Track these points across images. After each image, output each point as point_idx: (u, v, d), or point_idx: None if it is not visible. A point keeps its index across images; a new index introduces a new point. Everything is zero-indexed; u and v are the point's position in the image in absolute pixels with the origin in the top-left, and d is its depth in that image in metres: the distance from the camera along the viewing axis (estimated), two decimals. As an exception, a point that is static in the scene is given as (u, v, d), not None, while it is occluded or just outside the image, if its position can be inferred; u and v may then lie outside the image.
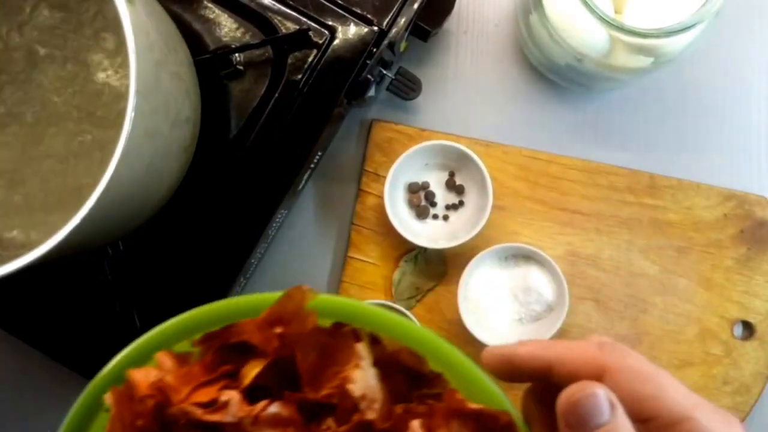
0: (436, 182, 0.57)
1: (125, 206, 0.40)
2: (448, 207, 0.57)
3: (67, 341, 0.50)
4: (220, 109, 0.49)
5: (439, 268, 0.57)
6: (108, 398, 0.27)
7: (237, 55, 0.49)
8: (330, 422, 0.26)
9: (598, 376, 0.27)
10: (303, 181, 0.53)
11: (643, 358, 0.28)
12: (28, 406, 0.58)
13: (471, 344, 0.55)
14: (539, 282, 0.55)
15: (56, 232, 0.35)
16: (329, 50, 0.49)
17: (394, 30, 0.50)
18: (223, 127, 0.49)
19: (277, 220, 0.52)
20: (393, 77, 0.53)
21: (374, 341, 0.29)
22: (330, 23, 0.49)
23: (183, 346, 0.29)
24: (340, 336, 0.28)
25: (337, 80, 0.49)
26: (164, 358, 0.27)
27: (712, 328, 0.56)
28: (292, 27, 0.49)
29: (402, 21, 0.50)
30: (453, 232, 0.55)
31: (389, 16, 0.50)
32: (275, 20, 0.49)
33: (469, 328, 0.53)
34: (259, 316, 0.28)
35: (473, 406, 0.27)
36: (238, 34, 0.50)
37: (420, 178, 0.57)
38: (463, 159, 0.55)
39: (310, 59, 0.49)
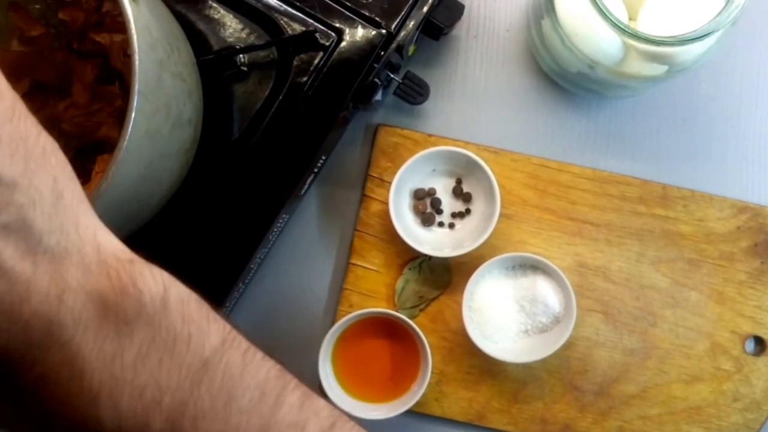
0: (443, 189, 0.56)
1: (123, 207, 0.40)
2: (454, 215, 0.56)
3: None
4: (222, 111, 0.48)
5: (444, 277, 0.56)
6: None
7: (241, 56, 0.48)
8: None
9: None
10: (306, 186, 0.52)
11: None
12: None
13: (475, 355, 0.54)
14: (546, 293, 0.54)
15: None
16: (336, 53, 0.49)
17: (402, 33, 0.49)
18: (226, 129, 0.48)
19: (279, 224, 0.51)
20: (400, 81, 0.53)
21: None
22: (337, 25, 0.49)
23: None
24: None
25: (343, 83, 0.49)
26: None
27: (724, 343, 0.55)
28: (298, 28, 0.49)
29: (411, 24, 0.49)
30: (459, 241, 0.54)
31: (398, 19, 0.49)
32: (281, 21, 0.49)
33: (474, 339, 0.52)
34: None
35: None
36: (243, 34, 0.49)
37: (426, 185, 0.56)
38: (471, 166, 0.54)
39: (315, 61, 0.48)
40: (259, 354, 0.30)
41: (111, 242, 0.28)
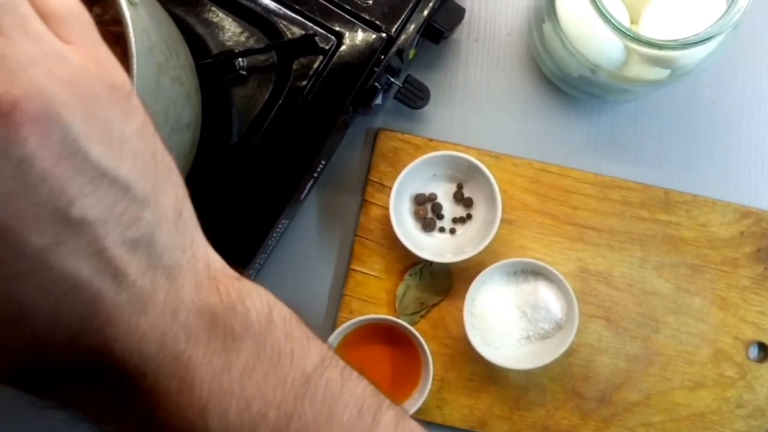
0: (444, 194, 0.55)
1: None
2: (455, 220, 0.55)
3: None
4: (221, 115, 0.48)
5: (445, 282, 0.55)
6: None
7: (240, 59, 0.48)
8: None
9: None
10: (306, 191, 0.52)
11: None
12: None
13: (476, 362, 0.54)
14: (548, 299, 0.53)
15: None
16: (335, 56, 0.48)
17: (402, 37, 0.49)
18: (225, 134, 0.48)
19: (278, 229, 0.51)
20: (401, 85, 0.52)
21: None
22: (337, 29, 0.48)
23: None
24: None
25: (343, 87, 0.48)
26: None
27: (727, 350, 0.55)
28: (297, 32, 0.48)
29: (411, 28, 0.49)
30: (460, 246, 0.54)
31: (398, 23, 0.49)
32: (281, 25, 0.48)
33: (475, 345, 0.52)
34: None
35: None
36: (242, 38, 0.49)
37: (427, 190, 0.55)
38: (472, 170, 0.54)
39: (315, 65, 0.48)
40: (355, 373, 0.30)
41: (217, 259, 0.29)
